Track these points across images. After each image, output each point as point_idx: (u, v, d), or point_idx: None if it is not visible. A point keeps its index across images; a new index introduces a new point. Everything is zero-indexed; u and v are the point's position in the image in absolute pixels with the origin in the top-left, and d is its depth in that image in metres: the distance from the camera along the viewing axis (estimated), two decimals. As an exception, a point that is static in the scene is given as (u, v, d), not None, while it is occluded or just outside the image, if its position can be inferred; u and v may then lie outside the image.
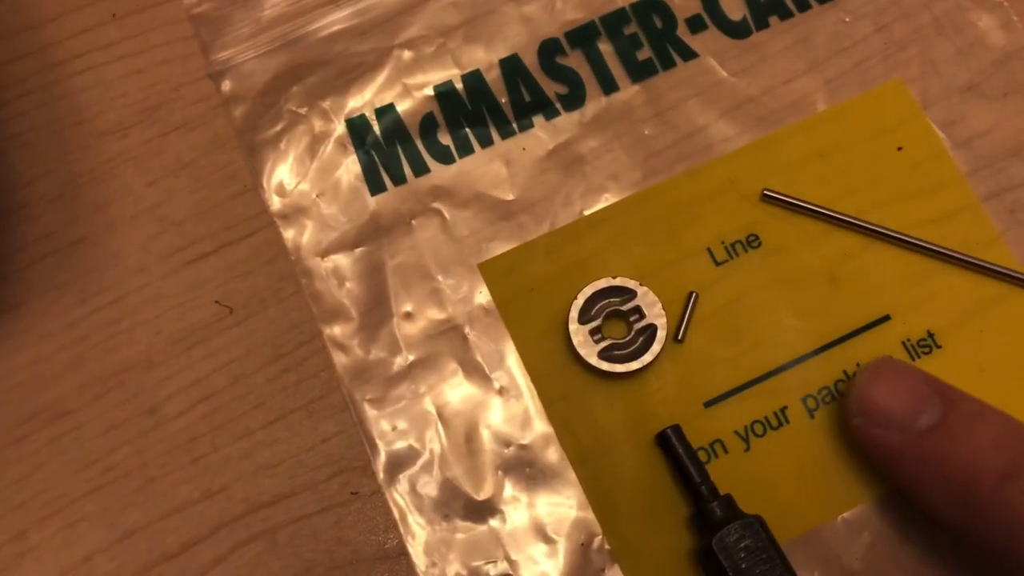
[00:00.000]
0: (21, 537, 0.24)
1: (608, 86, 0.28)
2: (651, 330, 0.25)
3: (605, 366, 0.25)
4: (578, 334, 0.25)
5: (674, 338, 0.26)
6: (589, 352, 0.25)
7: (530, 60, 0.28)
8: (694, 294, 0.26)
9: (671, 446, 0.25)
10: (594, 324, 0.25)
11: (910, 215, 0.27)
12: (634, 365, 0.25)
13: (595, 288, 0.26)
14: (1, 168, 0.27)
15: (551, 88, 0.28)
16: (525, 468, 0.25)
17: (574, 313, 0.25)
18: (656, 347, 0.25)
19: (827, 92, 0.28)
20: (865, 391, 0.23)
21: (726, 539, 0.23)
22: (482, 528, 0.24)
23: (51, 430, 0.25)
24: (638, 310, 0.25)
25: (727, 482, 0.24)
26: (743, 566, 0.23)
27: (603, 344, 0.25)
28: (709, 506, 0.24)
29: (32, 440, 0.25)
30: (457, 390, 0.25)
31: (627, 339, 0.25)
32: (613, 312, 0.25)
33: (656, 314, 0.25)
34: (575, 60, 0.28)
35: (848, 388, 0.24)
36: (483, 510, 0.24)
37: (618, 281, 0.26)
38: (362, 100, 0.27)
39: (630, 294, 0.25)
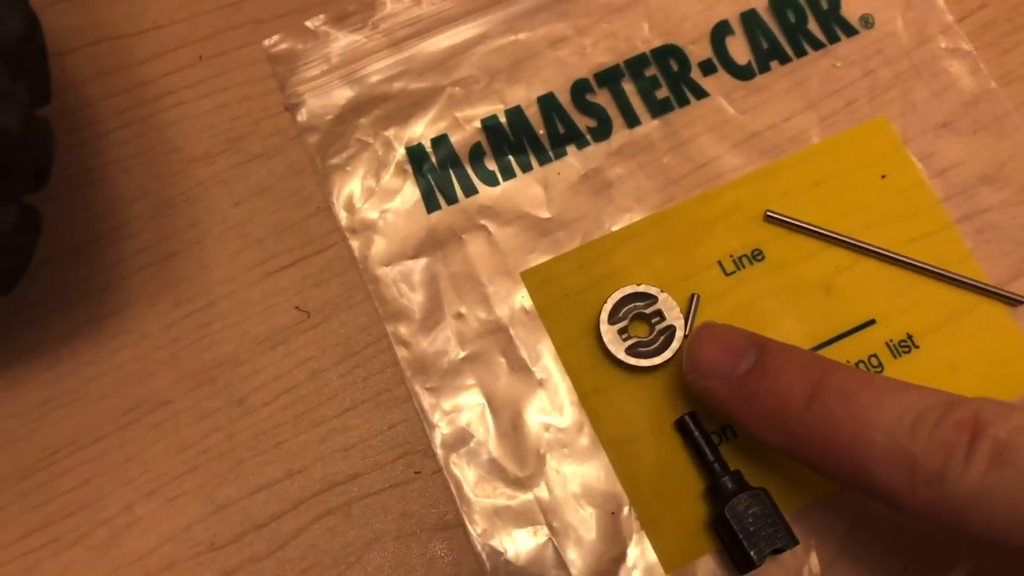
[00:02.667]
0: (129, 510, 0.28)
1: (631, 121, 0.32)
2: (671, 330, 0.29)
3: (632, 361, 0.29)
4: (608, 333, 0.29)
5: (683, 334, 0.30)
6: (618, 348, 0.29)
7: (564, 98, 0.32)
8: (695, 296, 0.30)
9: (688, 429, 0.29)
10: (621, 324, 0.29)
11: (893, 235, 0.31)
12: (657, 360, 0.29)
13: (623, 293, 0.30)
14: (104, 191, 0.31)
15: (582, 122, 0.32)
16: (563, 448, 0.29)
17: (604, 315, 0.29)
18: (675, 344, 0.29)
19: (821, 128, 0.32)
20: (693, 351, 0.27)
21: (737, 507, 0.27)
22: (527, 499, 0.28)
23: (152, 418, 0.29)
24: (659, 313, 0.29)
25: (736, 462, 0.28)
26: (751, 529, 0.27)
27: (629, 342, 0.29)
28: (721, 480, 0.28)
29: (136, 426, 0.29)
30: (503, 381, 0.29)
31: (650, 338, 0.29)
32: (638, 314, 0.30)
33: (675, 316, 0.29)
34: (603, 98, 0.32)
35: (682, 352, 0.28)
36: (527, 484, 0.28)
37: (642, 288, 0.30)
38: (420, 130, 0.32)
39: (652, 299, 0.30)
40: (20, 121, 0.20)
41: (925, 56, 0.33)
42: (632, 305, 0.30)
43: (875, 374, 0.26)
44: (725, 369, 0.26)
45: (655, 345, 0.29)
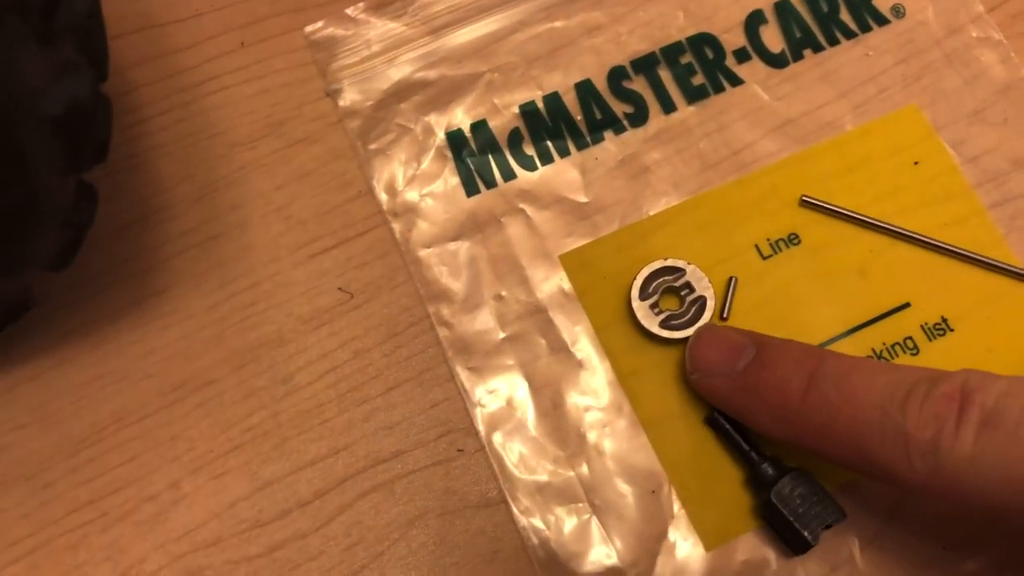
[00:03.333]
0: (176, 486, 0.28)
1: (668, 107, 0.33)
2: (701, 301, 0.30)
3: (666, 333, 0.29)
4: (640, 309, 0.30)
5: (720, 316, 0.30)
6: (651, 323, 0.29)
7: (601, 84, 0.33)
8: (733, 278, 0.30)
9: (720, 424, 0.29)
10: (652, 299, 0.30)
11: (926, 220, 0.31)
12: (690, 331, 0.29)
13: (651, 269, 0.30)
14: (149, 174, 0.31)
15: (619, 108, 0.32)
16: (603, 427, 0.29)
17: (635, 291, 0.30)
18: (707, 314, 0.29)
19: (854, 115, 0.33)
20: (693, 352, 0.28)
21: (782, 491, 0.27)
22: (568, 476, 0.28)
23: (197, 396, 0.29)
24: (688, 285, 0.30)
25: (772, 446, 0.29)
26: (800, 511, 0.27)
27: (662, 316, 0.30)
28: (761, 467, 0.28)
29: (182, 405, 0.29)
30: (543, 362, 0.30)
31: (682, 310, 0.30)
32: (668, 288, 0.30)
33: (704, 287, 0.30)
34: (639, 84, 0.33)
35: (684, 353, 0.29)
36: (568, 462, 0.29)
37: (669, 262, 0.30)
38: (459, 116, 0.32)
39: (681, 272, 0.30)
40: (89, 93, 0.20)
41: (956, 45, 0.33)
42: (661, 280, 0.30)
43: (865, 358, 0.27)
44: (726, 367, 0.27)
45: (687, 317, 0.30)
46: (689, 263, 0.30)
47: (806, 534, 0.27)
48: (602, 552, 0.28)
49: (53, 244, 0.24)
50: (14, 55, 0.18)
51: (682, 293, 0.30)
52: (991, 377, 0.23)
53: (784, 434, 0.26)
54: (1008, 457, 0.22)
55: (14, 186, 0.20)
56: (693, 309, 0.30)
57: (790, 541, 0.27)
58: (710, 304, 0.29)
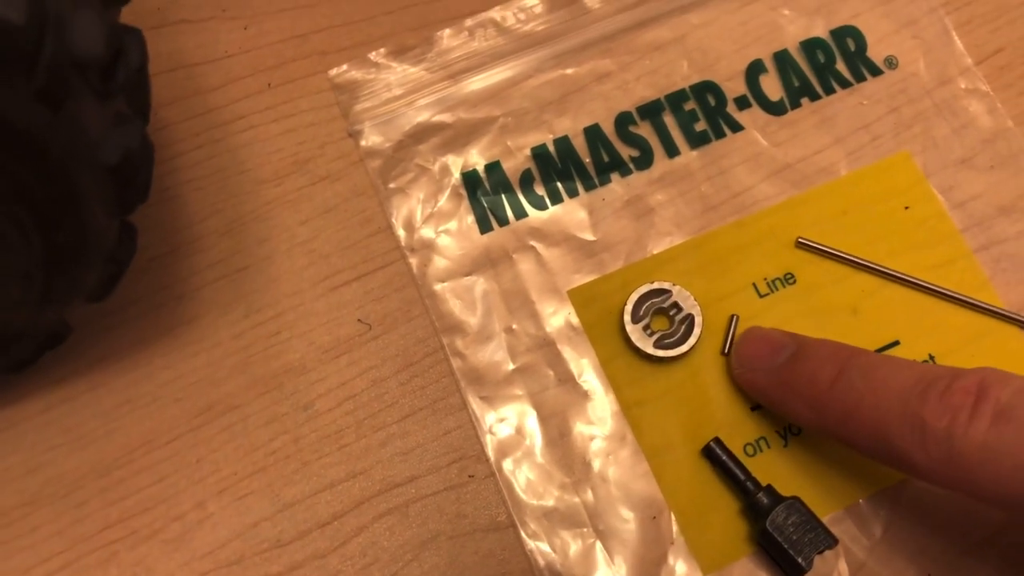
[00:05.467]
0: (201, 507, 0.30)
1: (672, 151, 0.34)
2: (690, 319, 0.31)
3: (660, 353, 0.31)
4: (634, 331, 0.31)
5: (722, 352, 0.32)
6: (645, 344, 0.31)
7: (608, 129, 0.34)
8: (735, 316, 0.32)
9: (716, 455, 0.30)
10: (645, 322, 0.31)
11: (916, 262, 0.33)
12: (683, 348, 0.31)
13: (639, 293, 0.32)
14: (180, 208, 0.33)
15: (625, 151, 0.34)
16: (607, 456, 0.31)
17: (627, 315, 0.31)
18: (697, 330, 0.31)
19: (848, 161, 0.34)
20: (739, 348, 0.31)
21: (776, 520, 0.29)
22: (574, 502, 0.30)
23: (223, 421, 0.31)
24: (676, 305, 0.31)
25: (770, 471, 0.30)
26: (794, 538, 0.29)
27: (655, 336, 0.31)
28: (756, 497, 0.30)
29: (208, 428, 0.31)
30: (551, 392, 0.31)
31: (672, 329, 0.31)
32: (657, 309, 0.32)
33: (691, 305, 0.31)
34: (645, 129, 0.35)
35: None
36: (574, 489, 0.30)
37: (655, 285, 0.32)
38: (474, 157, 0.34)
39: (667, 293, 0.32)
40: (141, 142, 0.22)
41: (946, 96, 0.35)
42: (650, 302, 0.32)
43: (893, 355, 0.28)
44: (766, 362, 0.29)
45: (678, 335, 0.31)
46: (674, 284, 0.32)
47: (800, 560, 0.28)
48: (605, 574, 0.29)
49: (97, 278, 0.25)
50: (78, 111, 0.20)
51: (671, 313, 0.31)
52: (1009, 375, 0.25)
53: (812, 419, 0.28)
54: (1020, 447, 0.23)
55: (70, 227, 0.22)
56: (683, 328, 0.31)
57: (784, 567, 0.29)
58: (698, 321, 0.31)
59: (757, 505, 0.29)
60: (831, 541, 0.29)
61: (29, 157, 0.19)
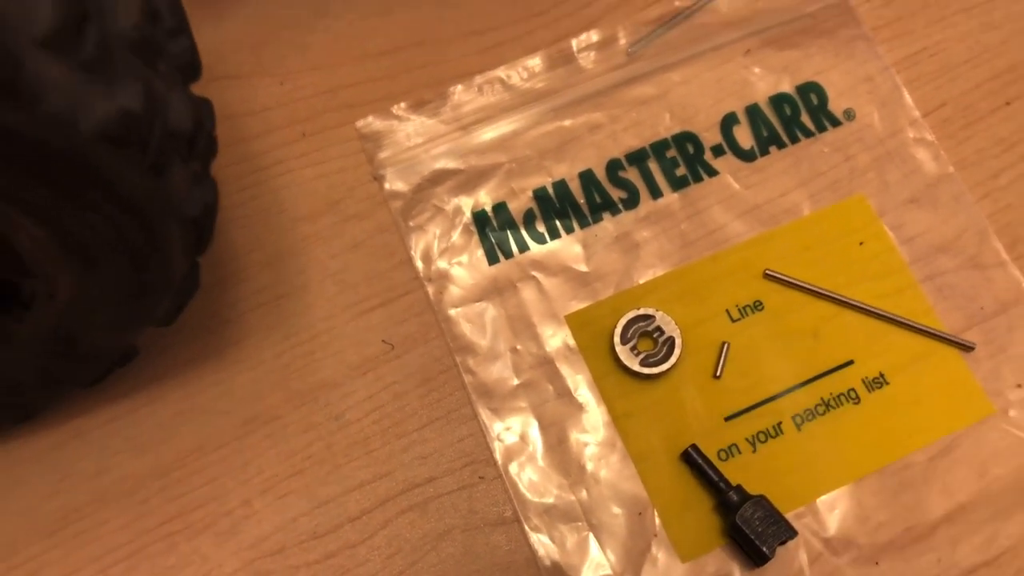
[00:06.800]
0: (248, 504, 0.35)
1: (655, 193, 0.39)
2: (671, 341, 0.36)
3: (645, 370, 0.36)
4: (622, 352, 0.36)
5: (714, 376, 0.36)
6: (632, 362, 0.36)
7: (600, 173, 0.39)
8: (726, 344, 0.37)
9: (693, 459, 0.35)
10: (632, 343, 0.36)
11: (869, 291, 0.38)
12: (665, 366, 0.36)
13: (627, 318, 0.36)
14: (227, 243, 0.38)
15: (615, 193, 0.39)
16: (599, 460, 0.35)
17: (617, 338, 0.36)
18: (677, 351, 0.36)
19: (811, 202, 0.39)
20: None
21: (744, 515, 0.34)
22: (571, 500, 0.35)
23: (266, 429, 0.35)
24: (659, 328, 0.36)
25: (740, 473, 0.35)
26: (760, 530, 0.33)
27: (640, 356, 0.36)
28: (727, 495, 0.34)
29: (252, 436, 0.35)
30: (550, 405, 0.36)
31: (656, 349, 0.36)
32: (643, 332, 0.36)
33: (672, 329, 0.36)
34: (632, 174, 0.39)
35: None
36: (570, 488, 0.35)
37: (642, 311, 0.36)
38: (483, 198, 0.39)
39: (651, 319, 0.36)
40: (215, 197, 0.27)
41: (896, 144, 0.40)
42: (636, 326, 0.36)
43: None
44: None
45: (660, 355, 0.36)
46: (657, 310, 0.36)
47: (765, 549, 0.33)
48: (598, 563, 0.34)
49: (167, 308, 0.30)
50: (169, 173, 0.25)
51: (655, 335, 0.36)
52: None
53: None
54: None
55: (156, 267, 0.27)
56: (665, 348, 0.36)
57: (752, 555, 0.34)
58: (678, 342, 0.36)
59: (728, 502, 0.34)
60: (792, 533, 0.33)
61: (134, 214, 0.24)
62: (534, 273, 0.38)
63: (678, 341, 0.36)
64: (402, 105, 0.40)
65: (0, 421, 0.34)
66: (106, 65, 0.21)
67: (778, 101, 0.41)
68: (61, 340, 0.29)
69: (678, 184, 0.39)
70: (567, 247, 0.38)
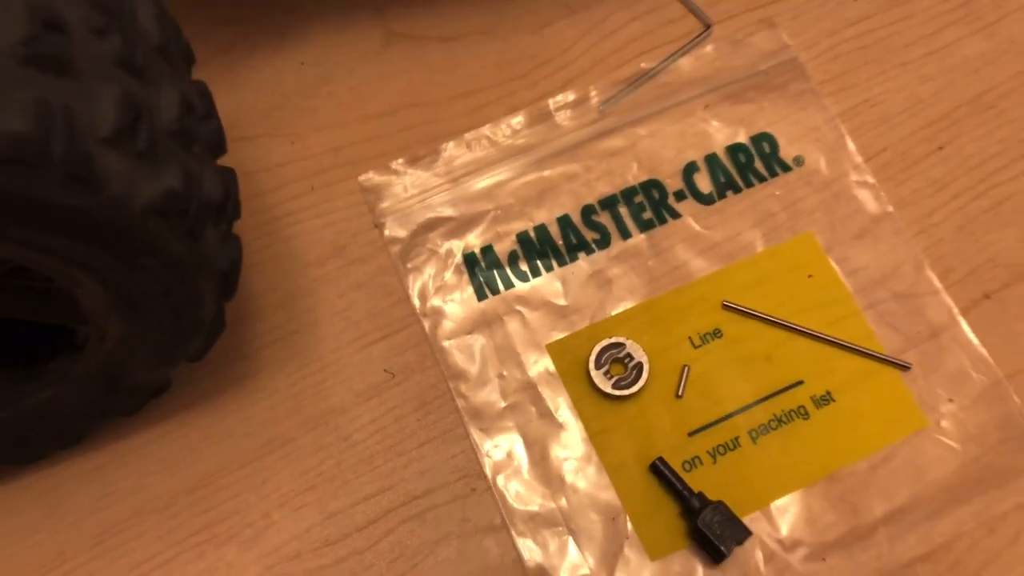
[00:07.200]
0: (267, 516, 0.39)
1: (625, 235, 0.44)
2: (640, 366, 0.41)
3: (617, 392, 0.40)
4: (597, 376, 0.41)
5: (676, 395, 0.41)
6: (605, 385, 0.40)
7: (576, 218, 0.44)
8: (687, 367, 0.41)
9: (660, 471, 0.40)
10: (605, 368, 0.41)
11: (817, 319, 0.43)
12: (634, 388, 0.40)
13: (601, 345, 0.41)
14: (245, 286, 0.43)
15: (589, 235, 0.44)
16: (577, 472, 0.40)
17: (592, 363, 0.41)
18: (645, 375, 0.40)
19: (764, 240, 0.44)
20: None
21: (705, 518, 0.38)
22: (552, 508, 0.39)
23: (282, 450, 0.40)
24: (629, 355, 0.41)
25: (702, 482, 0.39)
26: (718, 532, 0.38)
27: (613, 380, 0.41)
28: (691, 502, 0.39)
29: (270, 456, 0.40)
30: (533, 424, 0.41)
31: (626, 374, 0.41)
32: (615, 359, 0.41)
33: (640, 355, 0.41)
34: (604, 218, 0.44)
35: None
36: (552, 498, 0.39)
37: (614, 339, 0.41)
38: (472, 241, 0.44)
39: (622, 346, 0.41)
40: (240, 252, 0.32)
41: (841, 187, 0.45)
42: (609, 353, 0.41)
43: None
44: None
45: (630, 378, 0.41)
46: (627, 338, 0.41)
47: (723, 549, 0.37)
48: (576, 564, 0.38)
49: (198, 346, 0.35)
50: (203, 236, 0.30)
51: (625, 361, 0.41)
52: None
53: None
54: None
55: (190, 314, 0.32)
56: (635, 372, 0.41)
57: (712, 554, 0.38)
58: (646, 367, 0.40)
59: (691, 508, 0.39)
60: (747, 534, 0.38)
61: (175, 271, 0.29)
62: (518, 307, 0.43)
63: (646, 366, 0.41)
64: (399, 161, 0.45)
65: (51, 447, 0.38)
66: (153, 154, 0.26)
67: (734, 150, 0.46)
68: (107, 376, 0.34)
69: (645, 226, 0.44)
70: (547, 284, 0.43)
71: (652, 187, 0.45)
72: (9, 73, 0.23)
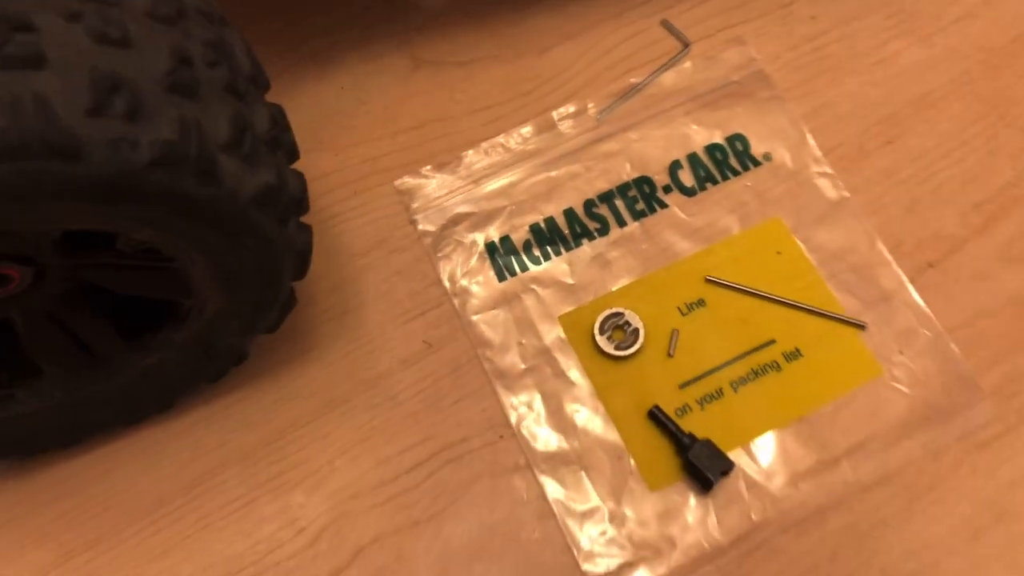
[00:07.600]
0: (330, 463, 0.47)
1: (621, 223, 0.52)
2: (636, 331, 0.48)
3: (618, 353, 0.48)
4: (601, 340, 0.48)
5: (668, 354, 0.49)
6: (608, 347, 0.48)
7: (580, 210, 0.52)
8: (676, 331, 0.49)
9: (656, 417, 0.47)
10: (608, 334, 0.49)
11: (786, 288, 0.50)
12: (632, 350, 0.48)
13: (604, 315, 0.49)
14: (303, 274, 0.51)
15: (591, 225, 0.52)
16: (587, 420, 0.48)
17: (596, 329, 0.49)
18: (641, 339, 0.48)
19: (740, 224, 0.52)
20: None
21: (695, 453, 0.46)
22: (567, 449, 0.47)
23: (340, 409, 0.48)
24: (627, 322, 0.49)
25: (692, 426, 0.47)
26: (707, 464, 0.45)
27: (615, 343, 0.48)
28: (683, 441, 0.46)
29: (330, 414, 0.48)
30: (549, 383, 0.48)
31: (626, 338, 0.48)
32: (616, 326, 0.49)
33: (637, 322, 0.48)
34: (603, 210, 0.52)
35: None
36: (567, 441, 0.47)
37: (614, 310, 0.49)
38: (492, 233, 0.51)
39: (621, 315, 0.49)
40: (311, 238, 0.40)
41: (804, 178, 0.53)
42: (611, 321, 0.49)
43: None
44: None
45: (629, 342, 0.48)
46: (626, 309, 0.49)
47: (711, 477, 0.45)
48: (590, 495, 0.46)
49: (275, 318, 0.43)
50: (289, 223, 0.38)
51: (624, 328, 0.49)
52: None
53: None
54: None
55: (273, 288, 0.40)
56: (632, 337, 0.48)
57: (701, 483, 0.46)
58: (642, 332, 0.48)
59: (683, 446, 0.46)
60: (731, 465, 0.46)
61: (268, 250, 0.37)
62: (533, 286, 0.50)
63: (642, 331, 0.49)
64: (428, 167, 0.53)
65: (152, 410, 0.46)
66: (255, 157, 0.34)
67: (712, 149, 0.54)
68: (204, 344, 0.42)
69: (638, 216, 0.52)
70: (557, 266, 0.51)
71: (643, 183, 0.53)
72: (159, 98, 0.31)
